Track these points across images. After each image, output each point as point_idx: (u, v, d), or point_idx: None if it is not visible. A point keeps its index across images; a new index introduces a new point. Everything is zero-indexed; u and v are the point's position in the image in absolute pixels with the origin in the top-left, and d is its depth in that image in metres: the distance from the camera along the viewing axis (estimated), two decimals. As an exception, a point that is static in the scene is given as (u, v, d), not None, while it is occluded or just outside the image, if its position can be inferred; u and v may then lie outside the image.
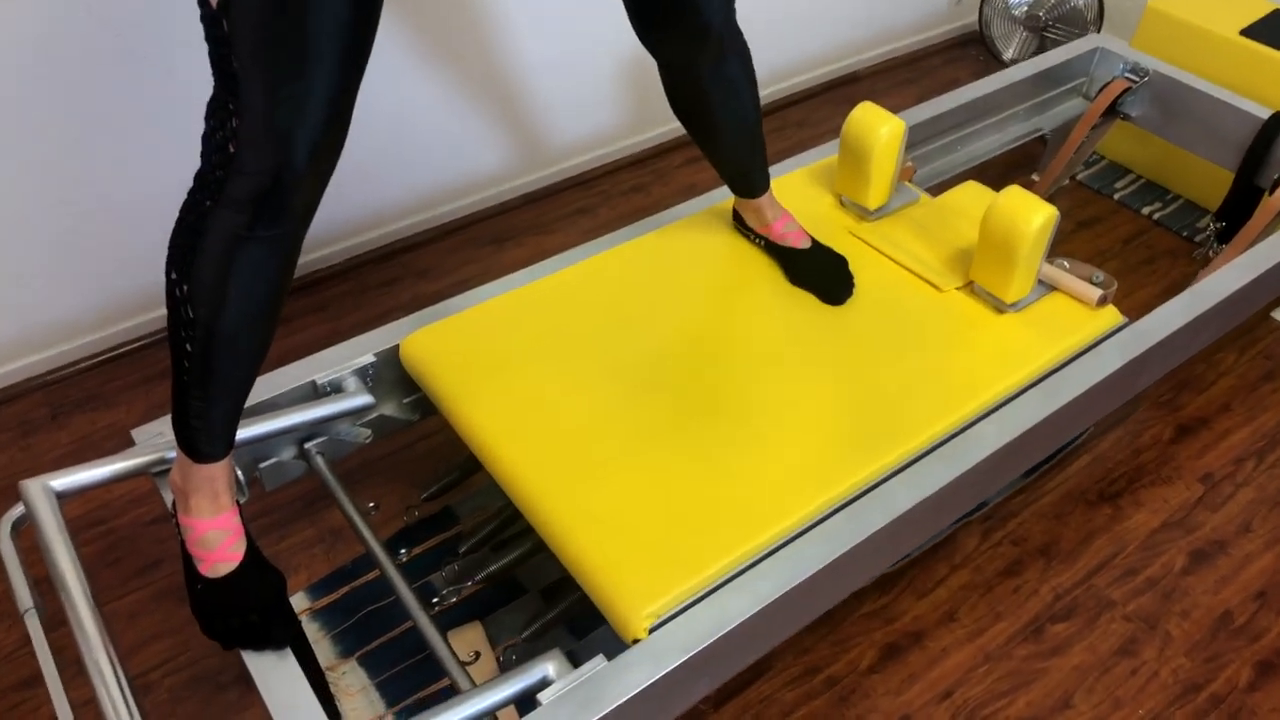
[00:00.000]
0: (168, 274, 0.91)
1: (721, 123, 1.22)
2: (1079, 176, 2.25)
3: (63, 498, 1.06)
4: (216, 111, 0.84)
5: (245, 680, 1.23)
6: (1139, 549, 1.52)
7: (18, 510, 1.07)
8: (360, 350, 1.30)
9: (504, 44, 1.88)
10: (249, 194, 0.85)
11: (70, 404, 1.66)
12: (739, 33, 1.15)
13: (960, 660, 1.37)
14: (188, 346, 0.92)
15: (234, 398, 0.97)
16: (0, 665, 1.33)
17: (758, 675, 1.34)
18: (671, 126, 2.27)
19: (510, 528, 1.39)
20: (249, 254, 0.88)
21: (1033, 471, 1.60)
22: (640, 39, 1.13)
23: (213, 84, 0.83)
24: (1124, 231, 2.12)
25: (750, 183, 1.35)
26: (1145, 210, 2.16)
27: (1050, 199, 2.17)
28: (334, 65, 0.82)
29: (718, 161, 1.31)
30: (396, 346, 1.31)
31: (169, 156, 1.61)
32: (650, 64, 2.12)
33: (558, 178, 2.13)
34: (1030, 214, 1.27)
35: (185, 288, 0.89)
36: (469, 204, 2.03)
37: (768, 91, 2.40)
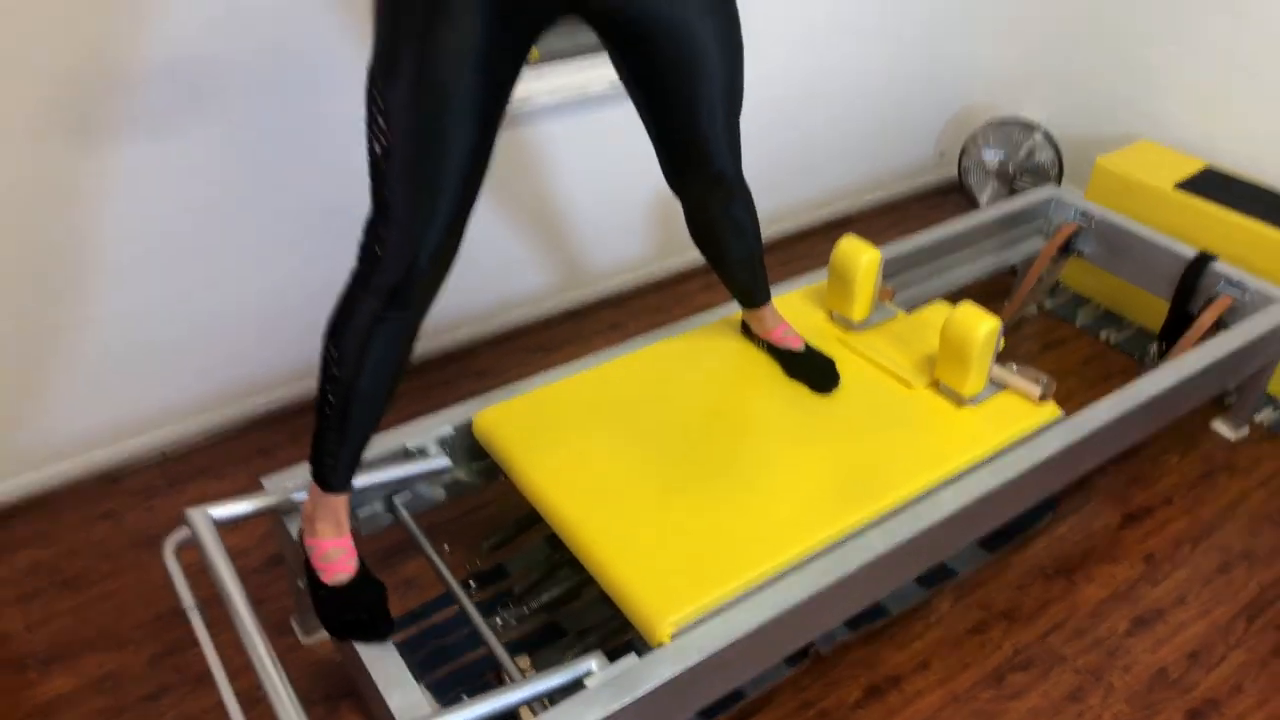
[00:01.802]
0: (324, 344, 1.24)
1: (730, 250, 1.57)
2: (1047, 305, 2.59)
3: (217, 524, 1.36)
4: (371, 228, 1.18)
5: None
6: (1088, 615, 1.77)
7: (181, 534, 1.37)
8: (441, 423, 1.61)
9: (552, 185, 2.26)
10: (386, 286, 1.18)
11: (185, 475, 1.97)
12: (745, 183, 1.51)
13: (932, 701, 1.62)
14: (331, 399, 1.24)
15: (359, 443, 1.28)
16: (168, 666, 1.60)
17: (762, 708, 1.59)
18: (690, 256, 2.63)
19: (553, 575, 1.67)
20: (383, 331, 1.21)
21: (998, 549, 1.87)
22: (668, 183, 1.49)
23: (370, 208, 1.18)
24: (1084, 353, 2.43)
25: (754, 297, 1.69)
26: (1103, 335, 2.48)
27: (1020, 324, 2.51)
28: (455, 197, 1.17)
29: (727, 280, 1.66)
30: (470, 421, 1.62)
31: (266, 276, 1.96)
32: (671, 203, 2.50)
33: (593, 297, 2.48)
34: (978, 323, 1.60)
35: (335, 354, 1.22)
36: (518, 316, 2.38)
37: (776, 229, 2.77)
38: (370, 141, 1.14)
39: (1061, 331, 2.51)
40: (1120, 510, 1.98)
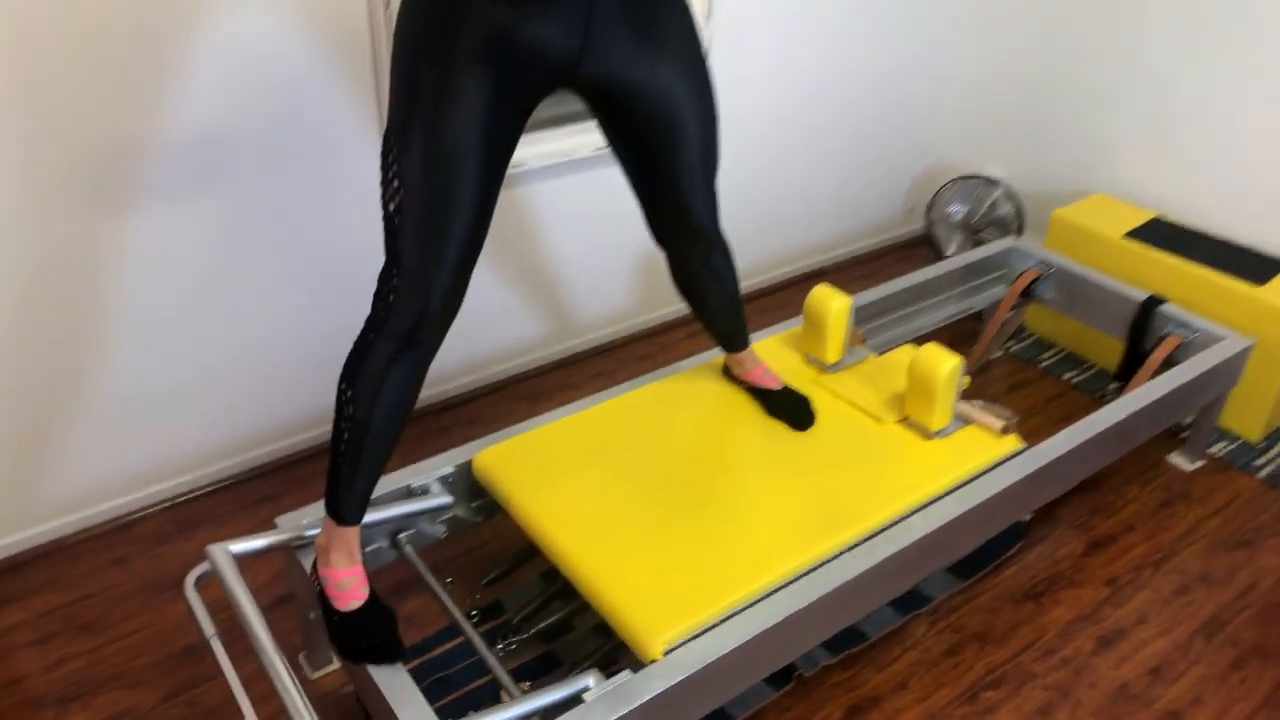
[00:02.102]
0: (339, 385, 1.35)
1: (710, 297, 1.69)
2: (1012, 350, 2.73)
3: (235, 558, 1.46)
4: (385, 277, 1.30)
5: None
6: (1056, 635, 1.87)
7: (201, 568, 1.46)
8: (443, 463, 1.72)
9: (543, 242, 2.39)
10: (400, 330, 1.30)
11: (192, 523, 2.05)
12: (723, 235, 1.64)
13: (910, 718, 1.71)
14: (346, 436, 1.35)
15: (371, 477, 1.39)
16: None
17: (748, 727, 1.68)
18: (674, 308, 2.77)
19: (548, 606, 1.77)
20: (396, 371, 1.32)
21: (970, 575, 1.97)
22: (653, 236, 1.62)
23: (385, 260, 1.30)
24: (1048, 393, 2.57)
25: (734, 341, 1.81)
26: (1065, 376, 2.62)
27: (987, 366, 2.64)
28: (461, 247, 1.29)
29: (709, 326, 1.78)
30: (470, 461, 1.73)
31: (269, 335, 2.08)
32: (654, 258, 2.63)
33: (582, 347, 2.60)
34: (942, 361, 1.72)
35: (350, 394, 1.33)
36: (510, 367, 2.49)
37: (754, 281, 2.92)
38: (385, 201, 1.27)
39: (1027, 373, 2.64)
40: (1085, 538, 2.10)
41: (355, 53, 1.91)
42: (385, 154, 1.26)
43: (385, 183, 1.26)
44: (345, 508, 1.39)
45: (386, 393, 1.33)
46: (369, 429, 1.34)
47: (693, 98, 1.42)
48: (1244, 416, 2.37)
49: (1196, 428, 2.27)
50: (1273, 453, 2.36)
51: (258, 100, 1.84)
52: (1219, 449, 2.36)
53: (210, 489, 2.14)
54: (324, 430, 2.25)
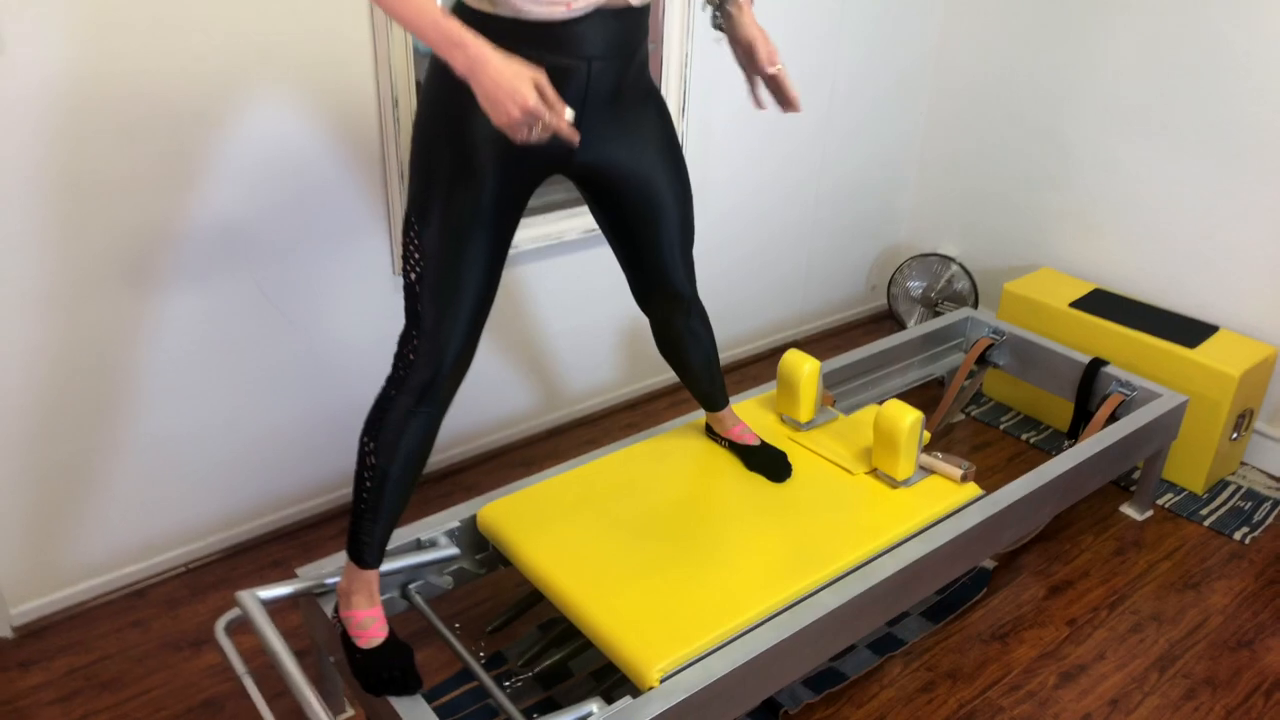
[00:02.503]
0: (361, 438, 1.50)
1: (690, 357, 1.87)
2: (974, 414, 2.91)
3: (264, 604, 1.58)
4: (404, 339, 1.47)
5: None
6: (1022, 672, 2.01)
7: (232, 613, 1.58)
8: (449, 518, 1.85)
9: (534, 318, 2.57)
10: (418, 385, 1.46)
11: (206, 586, 2.16)
12: (699, 301, 1.82)
13: (889, 750, 1.83)
14: (368, 484, 1.50)
15: (390, 523, 1.53)
16: None
17: (737, 760, 1.79)
18: (658, 379, 2.94)
19: (546, 654, 1.89)
20: (414, 424, 1.48)
21: (941, 619, 2.11)
22: (637, 303, 1.80)
23: (405, 323, 1.47)
24: (1009, 452, 2.74)
25: (714, 400, 1.98)
26: (1024, 437, 2.80)
27: (951, 429, 2.82)
28: (472, 311, 1.46)
29: (690, 385, 1.95)
30: (474, 516, 1.87)
31: (279, 408, 2.23)
32: (638, 332, 2.82)
33: (571, 417, 2.76)
34: (904, 415, 1.90)
35: (372, 445, 1.48)
36: (503, 436, 2.64)
37: (729, 354, 3.10)
38: (406, 270, 1.44)
39: (988, 435, 2.82)
40: (1045, 583, 2.25)
41: (366, 149, 2.11)
42: (406, 230, 1.44)
43: (406, 255, 1.44)
44: (367, 552, 1.52)
45: (405, 442, 1.48)
46: (389, 476, 1.49)
47: (671, 180, 1.62)
48: (1187, 470, 2.55)
49: (1144, 480, 2.45)
50: (1216, 503, 2.54)
51: (277, 190, 2.02)
52: (1167, 500, 2.54)
53: (222, 555, 2.25)
54: (329, 497, 2.38)
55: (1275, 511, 2.52)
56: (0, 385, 1.83)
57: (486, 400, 2.57)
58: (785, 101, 1.60)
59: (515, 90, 1.21)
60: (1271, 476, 2.66)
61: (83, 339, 1.90)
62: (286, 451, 2.27)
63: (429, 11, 1.24)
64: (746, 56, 1.59)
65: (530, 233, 2.42)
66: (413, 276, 1.44)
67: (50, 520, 2.00)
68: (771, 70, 1.57)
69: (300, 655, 1.98)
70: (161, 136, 1.84)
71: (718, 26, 1.62)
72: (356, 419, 2.34)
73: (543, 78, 1.23)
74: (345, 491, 2.40)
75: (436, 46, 1.24)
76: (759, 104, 1.61)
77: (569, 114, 1.25)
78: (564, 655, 1.88)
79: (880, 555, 1.79)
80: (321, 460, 2.33)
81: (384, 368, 2.32)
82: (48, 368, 1.88)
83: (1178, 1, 2.58)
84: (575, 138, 1.27)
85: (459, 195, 1.42)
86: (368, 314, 2.26)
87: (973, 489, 1.97)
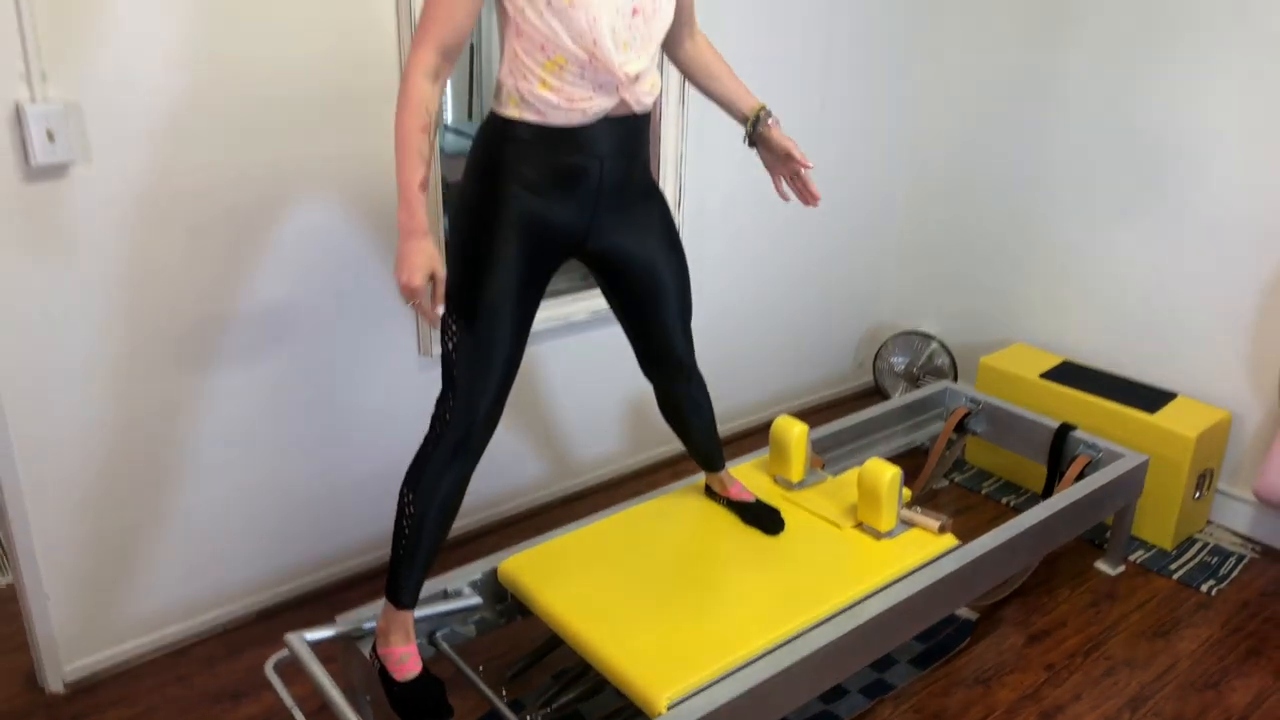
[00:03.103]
0: (401, 490, 1.70)
1: (691, 421, 2.08)
2: (957, 480, 3.10)
3: (311, 645, 1.76)
4: (441, 400, 1.68)
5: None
6: (1004, 713, 2.16)
7: (280, 654, 1.75)
8: (473, 570, 2.04)
9: (546, 394, 2.79)
10: (453, 441, 1.67)
11: (243, 645, 2.32)
12: (699, 370, 2.04)
13: (881, 784, 1.98)
14: (407, 532, 1.69)
15: (425, 566, 1.72)
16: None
17: (740, 794, 1.93)
18: (662, 449, 3.14)
19: (562, 698, 2.05)
20: (449, 476, 1.68)
21: (928, 665, 2.27)
22: (643, 372, 2.02)
23: (441, 388, 1.68)
24: (990, 515, 2.92)
25: (713, 462, 2.18)
26: (1004, 500, 2.99)
27: (935, 494, 3.01)
28: (501, 375, 1.68)
29: (691, 448, 2.15)
30: (495, 568, 2.05)
31: (312, 479, 2.42)
32: (644, 406, 3.03)
33: (580, 486, 2.95)
34: (885, 471, 2.10)
35: (411, 496, 1.68)
36: (519, 504, 2.83)
37: (728, 426, 3.31)
38: (444, 340, 1.67)
39: (971, 499, 3.01)
40: (1024, 633, 2.41)
41: (396, 237, 2.35)
42: (447, 306, 1.67)
43: (444, 328, 1.66)
44: (404, 593, 1.71)
45: (441, 493, 1.68)
46: (425, 523, 1.68)
47: (671, 262, 1.86)
48: (1156, 528, 2.74)
49: (1115, 537, 2.63)
50: (1184, 558, 2.71)
51: (319, 279, 2.26)
52: (1138, 556, 2.71)
53: (256, 617, 2.41)
54: (357, 561, 2.55)
55: (1240, 565, 2.69)
56: (62, 454, 2.03)
57: (504, 470, 2.77)
58: (810, 196, 1.93)
59: (415, 269, 1.54)
60: (1236, 533, 2.84)
61: (137, 413, 2.11)
62: (316, 518, 2.45)
63: (410, 172, 1.55)
64: (783, 159, 1.91)
65: (543, 314, 2.65)
66: (449, 346, 1.66)
67: (102, 583, 2.17)
68: (809, 167, 1.89)
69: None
70: (222, 232, 2.09)
71: (751, 143, 1.94)
72: (382, 487, 2.53)
73: (440, 271, 1.57)
74: (372, 556, 2.58)
75: (400, 199, 1.56)
76: (784, 196, 1.94)
77: (440, 310, 1.62)
78: (577, 697, 2.03)
79: (866, 598, 1.97)
80: (349, 526, 2.51)
81: (409, 439, 2.52)
82: (105, 439, 2.08)
83: (1122, 101, 2.87)
84: (436, 323, 1.62)
85: (492, 276, 1.65)
86: (395, 390, 2.47)
87: (950, 540, 2.16)
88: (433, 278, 1.57)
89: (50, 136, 1.79)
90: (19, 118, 1.78)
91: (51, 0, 1.77)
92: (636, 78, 1.66)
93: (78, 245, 1.92)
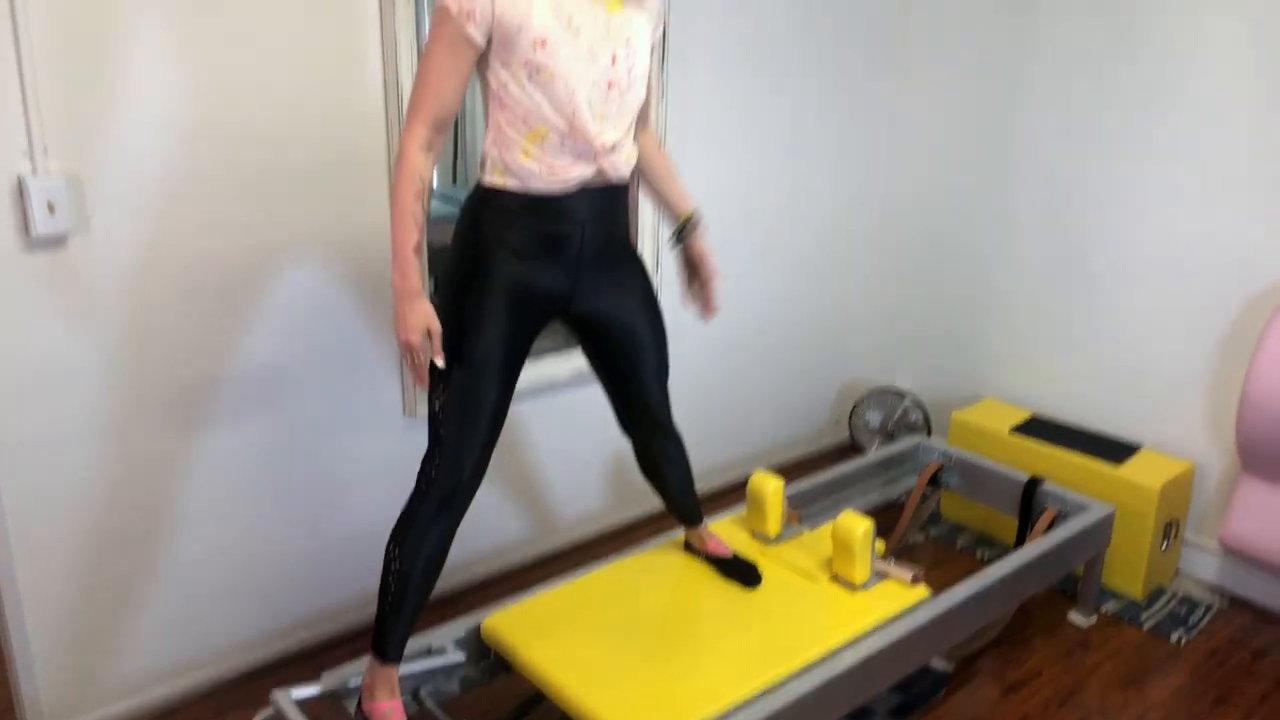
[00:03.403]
0: (388, 546, 1.74)
1: (669, 477, 2.14)
2: (933, 534, 3.16)
3: (297, 703, 1.79)
4: (428, 457, 1.74)
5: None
6: (980, 762, 2.21)
7: (265, 712, 1.78)
8: (456, 628, 2.07)
9: (528, 452, 2.84)
10: (439, 497, 1.72)
11: (227, 706, 2.33)
12: (675, 427, 2.11)
13: (860, 835, 2.00)
14: (393, 588, 1.73)
15: (410, 621, 1.76)
16: None
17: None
18: (641, 508, 3.19)
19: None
20: (434, 531, 1.73)
21: (906, 716, 2.31)
22: (621, 429, 2.08)
23: (428, 446, 1.74)
24: (964, 568, 2.98)
25: (690, 517, 2.24)
26: (979, 554, 3.05)
27: (912, 548, 3.06)
28: (486, 434, 1.75)
29: (669, 503, 2.21)
30: (478, 625, 2.09)
31: (299, 538, 2.46)
32: (624, 466, 3.08)
33: (562, 543, 2.99)
34: (857, 524, 2.16)
35: (397, 551, 1.73)
36: (501, 563, 2.86)
37: (707, 483, 3.36)
38: (431, 400, 1.73)
39: (947, 553, 3.07)
40: (1000, 683, 2.46)
41: (384, 306, 2.43)
42: (433, 368, 1.73)
43: (432, 388, 1.73)
44: (389, 648, 1.75)
45: (426, 548, 1.73)
46: (411, 579, 1.73)
47: (649, 324, 1.94)
48: (1126, 578, 2.80)
49: (1085, 587, 2.69)
50: (1154, 608, 2.78)
51: (307, 342, 2.32)
52: (1110, 607, 2.77)
53: (242, 678, 2.43)
54: (343, 620, 2.57)
55: (1208, 615, 2.75)
56: (53, 515, 2.07)
57: (487, 528, 2.81)
58: (710, 307, 2.06)
59: (412, 328, 1.65)
60: (1204, 583, 2.91)
61: (128, 472, 2.15)
62: (302, 577, 2.48)
63: (405, 236, 1.65)
64: (696, 266, 2.04)
65: (526, 374, 2.70)
66: (436, 406, 1.73)
67: (88, 644, 2.19)
68: (718, 279, 2.04)
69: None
70: (213, 295, 2.15)
71: (675, 243, 2.05)
72: (366, 546, 2.57)
73: (436, 327, 1.67)
74: (357, 615, 2.60)
75: (394, 262, 1.66)
76: (687, 302, 2.07)
77: (440, 359, 1.70)
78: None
79: (842, 649, 2.02)
80: (334, 586, 2.54)
81: (394, 499, 2.56)
82: (96, 498, 2.12)
83: (1072, 162, 3.00)
84: (425, 384, 1.70)
85: (479, 339, 1.72)
86: (380, 451, 2.52)
87: (922, 591, 2.21)
88: (429, 334, 1.67)
89: (51, 208, 1.87)
90: (21, 190, 1.85)
91: (54, 76, 1.86)
92: (613, 148, 1.75)
93: (75, 311, 1.98)
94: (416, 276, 1.65)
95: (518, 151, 1.70)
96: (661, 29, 1.94)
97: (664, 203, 2.03)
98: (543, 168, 1.71)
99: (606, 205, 1.81)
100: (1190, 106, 2.74)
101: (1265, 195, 2.63)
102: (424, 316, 1.66)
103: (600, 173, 1.77)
